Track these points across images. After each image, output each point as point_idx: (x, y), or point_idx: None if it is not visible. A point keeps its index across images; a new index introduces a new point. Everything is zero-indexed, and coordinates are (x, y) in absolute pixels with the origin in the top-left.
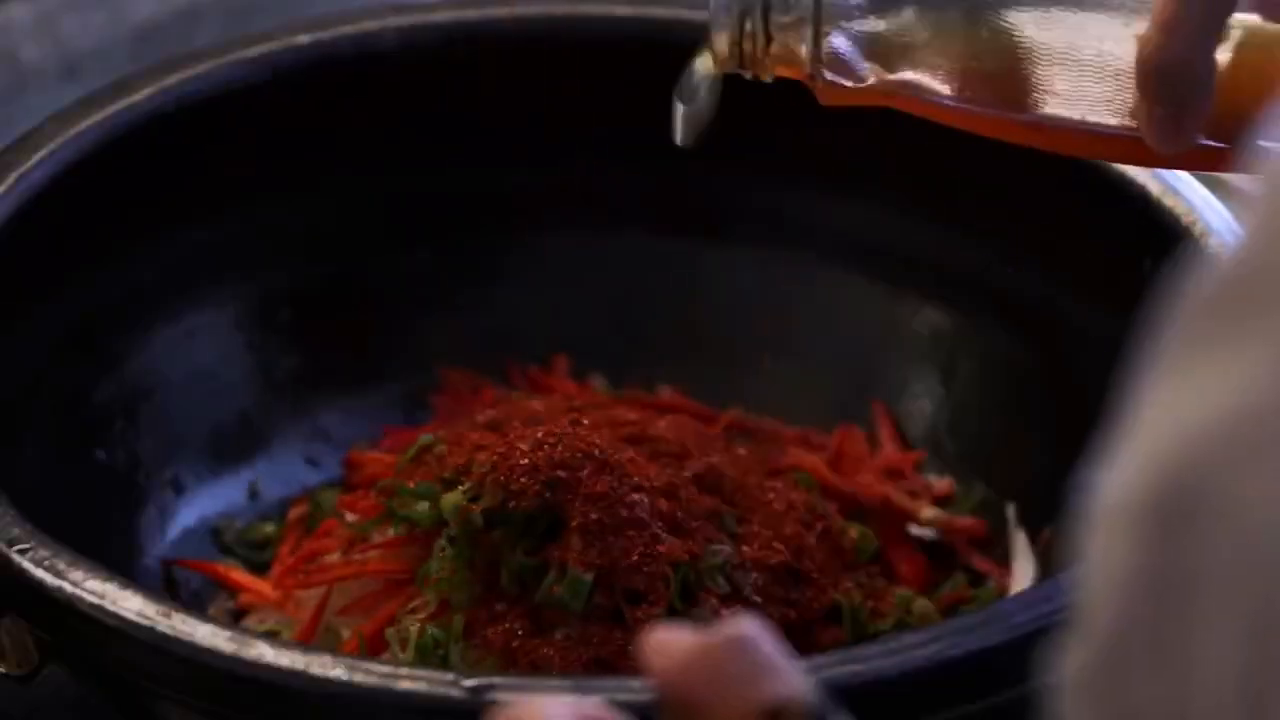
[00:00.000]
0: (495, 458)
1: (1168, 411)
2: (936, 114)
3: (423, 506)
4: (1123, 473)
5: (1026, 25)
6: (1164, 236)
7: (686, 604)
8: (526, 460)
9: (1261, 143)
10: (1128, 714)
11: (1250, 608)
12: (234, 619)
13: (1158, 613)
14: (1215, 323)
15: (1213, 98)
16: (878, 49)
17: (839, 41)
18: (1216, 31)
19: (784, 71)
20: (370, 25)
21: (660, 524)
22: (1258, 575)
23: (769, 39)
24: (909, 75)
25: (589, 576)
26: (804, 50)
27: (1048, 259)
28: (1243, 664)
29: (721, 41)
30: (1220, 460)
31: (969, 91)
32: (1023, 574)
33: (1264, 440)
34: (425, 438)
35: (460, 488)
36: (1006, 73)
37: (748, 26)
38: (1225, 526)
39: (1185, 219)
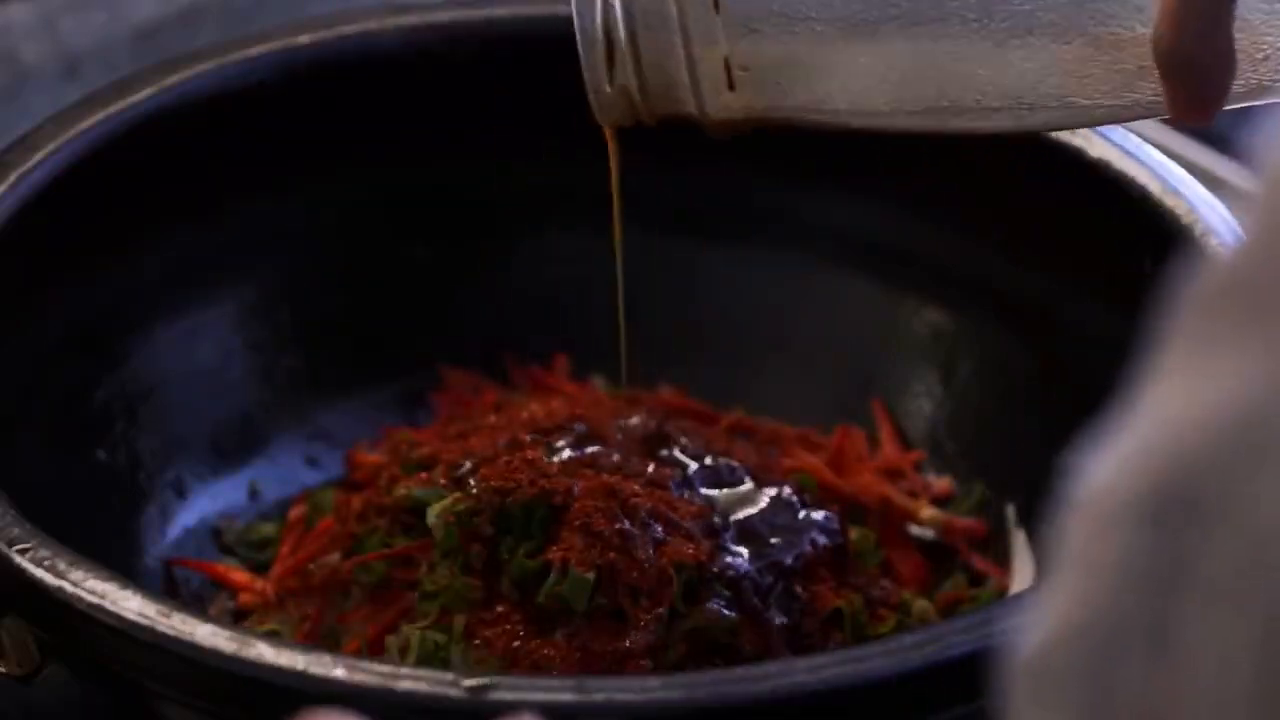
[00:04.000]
0: (498, 459)
1: (1169, 407)
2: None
3: (427, 507)
4: (1119, 464)
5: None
6: (1164, 236)
7: (689, 605)
8: (530, 461)
9: (1260, 140)
10: (1107, 705)
11: (1261, 608)
12: (234, 619)
13: (1155, 606)
14: (1219, 322)
15: (1234, 70)
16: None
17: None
18: (1228, 13)
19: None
20: (370, 25)
21: (663, 525)
22: (1267, 575)
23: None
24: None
25: (591, 575)
26: (684, 79)
27: (1048, 259)
28: (1255, 662)
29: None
30: (1224, 459)
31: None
32: (1023, 574)
33: (1269, 440)
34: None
35: (453, 494)
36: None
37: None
38: (1231, 525)
39: (1185, 219)
